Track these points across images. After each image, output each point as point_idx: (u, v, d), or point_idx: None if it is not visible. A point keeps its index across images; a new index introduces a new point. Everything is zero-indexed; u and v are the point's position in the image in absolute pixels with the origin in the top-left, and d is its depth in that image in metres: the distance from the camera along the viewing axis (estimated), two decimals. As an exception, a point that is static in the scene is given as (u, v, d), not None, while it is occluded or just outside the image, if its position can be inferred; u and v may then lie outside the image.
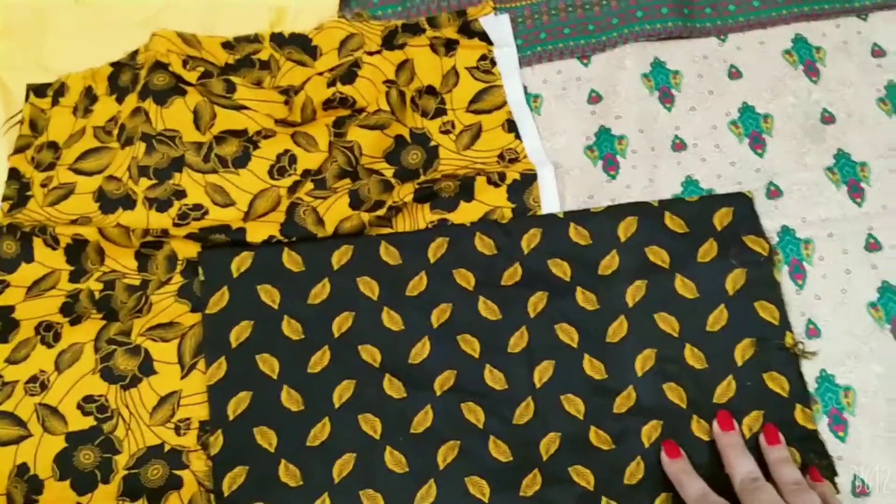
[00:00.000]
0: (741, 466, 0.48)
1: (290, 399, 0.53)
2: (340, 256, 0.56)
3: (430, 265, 0.56)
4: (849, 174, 0.58)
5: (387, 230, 0.58)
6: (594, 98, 0.62)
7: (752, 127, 0.60)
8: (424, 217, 0.58)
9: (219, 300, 0.55)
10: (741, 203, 0.56)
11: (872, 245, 0.56)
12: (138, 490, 0.52)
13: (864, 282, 0.55)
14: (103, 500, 0.52)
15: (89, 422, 0.53)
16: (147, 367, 0.54)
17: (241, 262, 0.56)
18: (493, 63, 0.63)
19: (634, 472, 0.50)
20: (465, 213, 0.58)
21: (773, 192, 0.58)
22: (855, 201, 0.57)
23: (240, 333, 0.54)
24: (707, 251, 0.55)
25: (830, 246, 0.56)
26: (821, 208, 0.57)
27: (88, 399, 0.54)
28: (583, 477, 0.50)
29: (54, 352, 0.55)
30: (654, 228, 0.56)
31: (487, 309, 0.55)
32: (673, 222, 0.56)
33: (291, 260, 0.56)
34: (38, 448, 0.53)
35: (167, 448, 0.53)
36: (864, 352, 0.53)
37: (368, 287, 0.55)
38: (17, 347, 0.55)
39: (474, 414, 0.52)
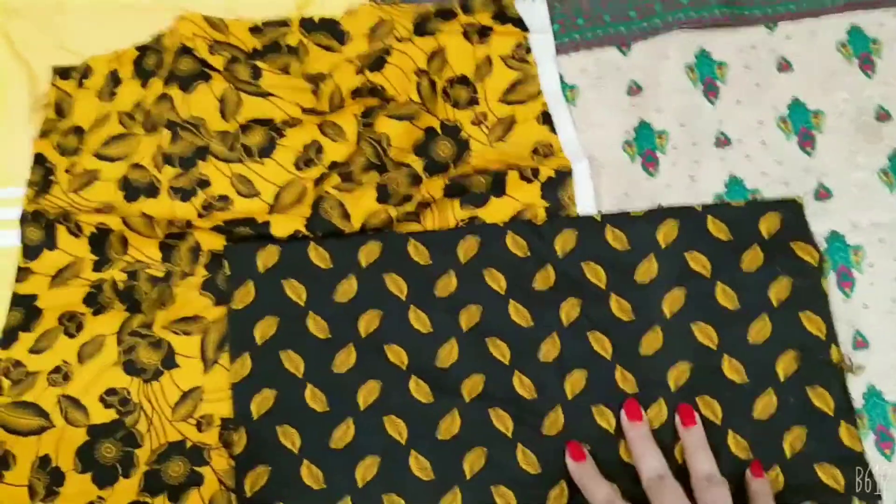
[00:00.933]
0: (648, 462, 0.46)
1: (315, 399, 0.51)
2: (368, 253, 0.54)
3: (461, 265, 0.54)
4: (904, 176, 0.55)
5: (415, 226, 0.56)
6: (634, 90, 0.60)
7: (802, 123, 0.57)
8: (454, 214, 0.56)
9: (244, 295, 0.54)
10: (790, 209, 0.54)
11: (926, 252, 0.53)
12: (159, 486, 0.51)
13: (915, 291, 0.52)
14: (124, 494, 0.51)
15: (111, 415, 0.53)
16: (169, 361, 0.53)
17: (267, 257, 0.54)
18: (529, 50, 0.61)
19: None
20: (496, 210, 0.56)
21: (823, 193, 0.55)
22: (909, 205, 0.54)
23: (265, 330, 0.53)
24: (752, 259, 0.53)
25: (881, 252, 0.53)
26: (872, 212, 0.54)
27: (111, 392, 0.53)
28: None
29: (77, 342, 0.54)
30: (696, 234, 0.53)
31: (518, 314, 0.53)
32: (716, 228, 0.54)
33: (318, 255, 0.54)
34: (60, 440, 0.53)
35: (189, 445, 0.52)
36: (914, 365, 0.51)
37: (396, 285, 0.54)
38: (41, 337, 0.55)
39: (502, 421, 0.51)
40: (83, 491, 0.51)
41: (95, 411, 0.53)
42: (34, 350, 0.55)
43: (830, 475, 0.48)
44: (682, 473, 0.47)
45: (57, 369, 0.54)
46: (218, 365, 0.53)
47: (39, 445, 0.52)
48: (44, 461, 0.52)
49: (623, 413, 0.49)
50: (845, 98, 0.58)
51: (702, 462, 0.46)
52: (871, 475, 0.48)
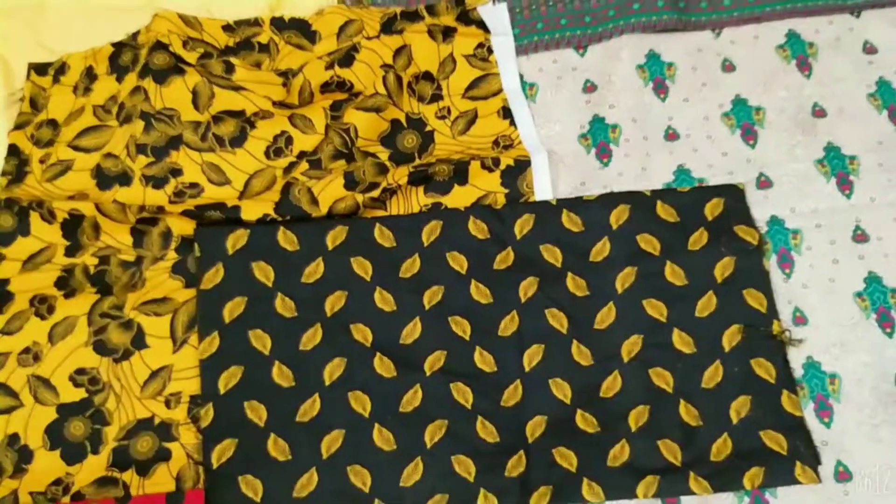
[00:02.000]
0: None
1: (282, 375, 0.53)
2: (335, 237, 0.56)
3: (424, 248, 0.56)
4: (838, 167, 0.59)
5: (381, 212, 0.58)
6: (589, 87, 0.63)
7: (744, 119, 0.61)
8: (418, 200, 0.58)
9: (213, 276, 0.55)
10: (732, 194, 0.57)
11: (860, 237, 0.56)
12: (127, 461, 0.52)
13: (851, 272, 0.55)
14: (93, 470, 0.52)
15: (81, 394, 0.54)
16: (139, 341, 0.55)
17: (236, 240, 0.56)
18: (490, 51, 0.64)
19: (619, 455, 0.51)
20: (459, 197, 0.58)
21: (764, 182, 0.59)
22: (844, 193, 0.58)
23: (233, 309, 0.55)
24: (697, 240, 0.56)
25: (818, 236, 0.57)
26: (810, 200, 0.58)
27: (81, 371, 0.54)
28: (566, 459, 0.51)
29: (48, 324, 0.55)
30: (646, 217, 0.56)
31: (479, 292, 0.55)
32: (665, 211, 0.57)
33: (286, 238, 0.56)
34: (29, 418, 0.53)
35: (157, 421, 0.53)
36: (851, 340, 0.54)
37: (362, 267, 0.56)
38: (11, 319, 0.56)
39: (463, 395, 0.53)
40: (52, 467, 0.52)
41: (65, 390, 0.54)
42: (4, 332, 0.55)
43: (775, 441, 0.51)
44: (640, 436, 0.50)
45: (27, 350, 0.55)
46: (187, 345, 0.55)
47: (8, 424, 0.53)
48: (12, 439, 0.53)
49: None
50: (784, 96, 0.62)
51: None
52: (810, 440, 0.51)
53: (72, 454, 0.52)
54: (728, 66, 0.63)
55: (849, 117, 0.60)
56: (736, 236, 0.56)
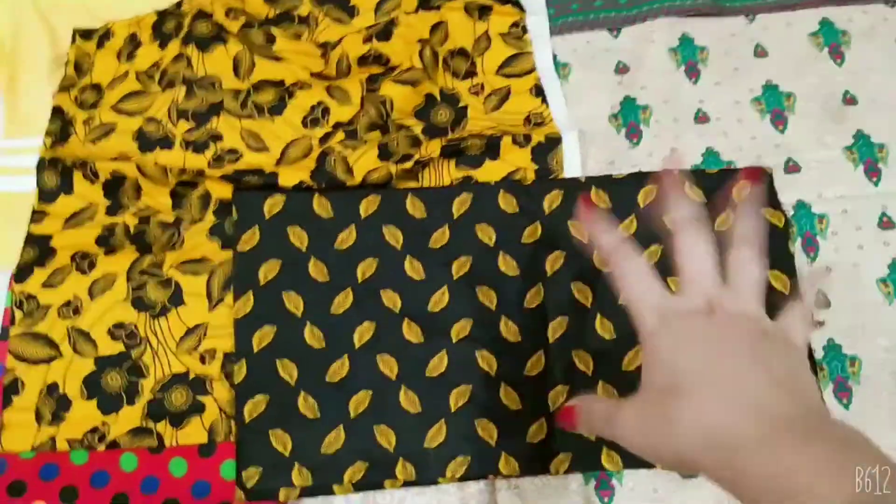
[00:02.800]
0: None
1: (313, 336, 0.55)
2: (368, 205, 0.58)
3: (454, 219, 0.58)
4: (866, 154, 0.59)
5: (413, 183, 0.60)
6: (621, 69, 0.64)
7: (774, 104, 0.62)
8: (450, 173, 0.60)
9: (250, 238, 0.57)
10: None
11: (886, 223, 0.57)
12: (162, 413, 0.54)
13: (875, 258, 0.56)
14: (128, 421, 0.54)
15: (118, 347, 0.56)
16: (177, 299, 0.57)
17: (273, 204, 0.58)
18: (525, 30, 0.65)
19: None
20: (490, 171, 0.60)
21: (792, 167, 0.59)
22: (871, 180, 0.58)
23: (268, 271, 0.56)
24: (724, 221, 0.57)
25: (844, 222, 0.57)
26: (837, 186, 0.58)
27: (119, 326, 0.56)
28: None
29: (88, 279, 0.57)
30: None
31: (506, 264, 0.56)
32: (692, 192, 0.58)
33: (321, 205, 0.58)
34: (68, 369, 0.55)
35: (192, 376, 0.55)
36: (872, 325, 0.54)
37: (393, 236, 0.57)
38: (54, 273, 0.58)
39: (487, 362, 0.54)
40: (88, 416, 0.54)
41: (103, 343, 0.56)
42: (47, 284, 0.57)
43: None
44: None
45: (68, 303, 0.57)
46: (223, 304, 0.56)
47: (48, 373, 0.55)
48: (51, 388, 0.55)
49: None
50: (815, 83, 0.62)
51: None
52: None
53: (108, 404, 0.54)
54: (760, 52, 0.64)
55: (879, 106, 0.61)
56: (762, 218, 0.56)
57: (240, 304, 0.55)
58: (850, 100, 0.61)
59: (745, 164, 0.60)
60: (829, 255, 0.56)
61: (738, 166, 0.60)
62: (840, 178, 0.59)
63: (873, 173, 0.59)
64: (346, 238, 0.57)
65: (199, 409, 0.54)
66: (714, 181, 0.58)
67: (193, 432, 0.53)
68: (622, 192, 0.58)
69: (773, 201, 0.57)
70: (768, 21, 0.65)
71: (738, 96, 0.62)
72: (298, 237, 0.57)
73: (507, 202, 0.58)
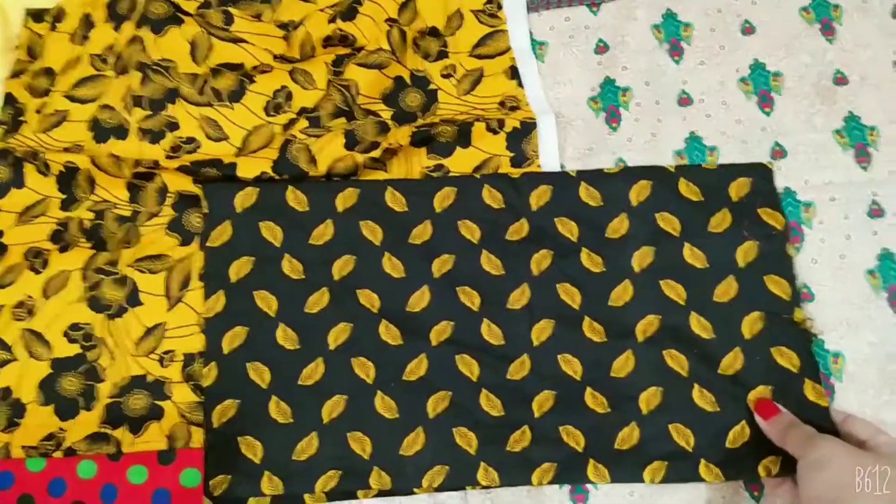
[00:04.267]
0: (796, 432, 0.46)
1: (286, 337, 0.52)
2: (345, 199, 0.55)
3: (436, 214, 0.55)
4: (857, 138, 0.56)
5: (381, 173, 0.57)
6: (601, 48, 0.61)
7: (762, 85, 0.58)
8: (420, 161, 0.57)
9: (220, 234, 0.54)
10: (760, 174, 0.55)
11: (875, 211, 0.54)
12: (120, 418, 0.52)
13: (863, 248, 0.54)
14: (85, 426, 0.52)
15: (74, 349, 0.53)
16: (133, 298, 0.54)
17: (245, 198, 0.55)
18: (500, 6, 0.61)
19: (628, 437, 0.50)
20: (462, 160, 0.57)
21: (778, 152, 0.57)
22: (861, 166, 0.56)
23: (240, 269, 0.54)
24: (720, 221, 0.54)
25: (832, 210, 0.55)
26: (825, 171, 0.56)
27: (74, 327, 0.54)
28: (573, 437, 0.50)
29: (42, 278, 0.55)
30: (668, 194, 0.54)
31: (490, 263, 0.54)
32: (688, 189, 0.55)
33: (296, 199, 0.55)
34: (22, 373, 0.53)
35: (150, 379, 0.53)
36: (859, 319, 0.52)
37: (371, 232, 0.54)
38: (6, 272, 0.55)
39: (469, 367, 0.52)
40: (44, 423, 0.52)
41: (59, 346, 0.54)
42: (-1, 284, 0.55)
43: None
44: (651, 419, 0.50)
45: (21, 304, 0.54)
46: (182, 303, 0.54)
47: (1, 377, 0.53)
48: (5, 393, 0.53)
49: (757, 417, 0.49)
50: (806, 62, 0.59)
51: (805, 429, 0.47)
52: (835, 431, 0.49)
53: (65, 409, 0.52)
54: (748, 29, 0.60)
55: (871, 86, 0.58)
56: (760, 220, 0.53)
57: (210, 303, 0.53)
58: (840, 79, 0.58)
59: (729, 148, 0.57)
60: (815, 246, 0.54)
61: (721, 152, 0.57)
62: (828, 163, 0.56)
63: (863, 158, 0.56)
64: (322, 233, 0.54)
65: (158, 414, 0.52)
66: (711, 177, 0.55)
67: (153, 438, 0.51)
68: (614, 188, 0.55)
69: (772, 201, 0.54)
70: (757, -5, 0.61)
71: (723, 76, 0.59)
72: (272, 232, 0.54)
73: (492, 197, 0.55)
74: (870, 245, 0.54)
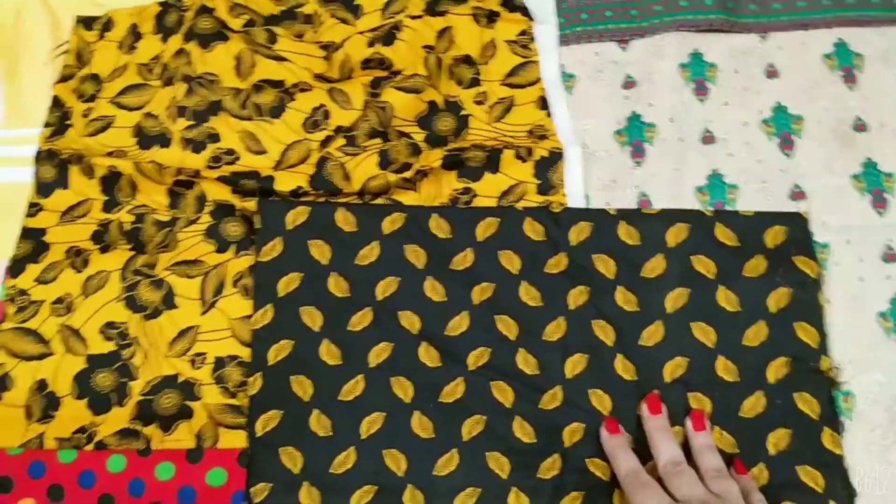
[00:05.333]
0: (666, 450, 0.49)
1: (329, 353, 0.54)
2: (392, 222, 0.57)
3: (478, 243, 0.57)
4: (874, 183, 0.58)
5: (412, 194, 0.59)
6: (629, 83, 0.63)
7: (784, 127, 0.60)
8: (450, 184, 0.59)
9: (271, 249, 0.56)
10: (796, 223, 0.56)
11: (889, 256, 0.56)
12: (151, 416, 0.54)
13: (876, 291, 0.55)
14: (116, 421, 0.54)
15: (110, 346, 0.55)
16: (169, 301, 0.56)
17: (296, 216, 0.57)
18: (532, 39, 0.64)
19: (651, 470, 0.50)
20: (490, 185, 0.59)
21: (797, 193, 0.58)
22: (878, 211, 0.58)
23: (288, 284, 0.56)
24: (754, 267, 0.55)
25: (847, 252, 0.56)
26: (842, 214, 0.58)
27: (111, 325, 0.56)
28: (599, 468, 0.51)
29: (82, 276, 0.57)
30: (704, 238, 0.56)
31: (528, 294, 0.55)
32: (724, 234, 0.56)
33: (345, 219, 0.57)
34: (58, 366, 0.55)
35: (181, 379, 0.55)
36: (869, 359, 0.54)
37: (416, 255, 0.56)
38: (47, 269, 0.57)
39: (503, 394, 0.53)
40: (78, 416, 0.54)
41: (94, 342, 0.56)
42: (40, 280, 0.57)
43: (811, 477, 0.51)
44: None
45: (60, 300, 0.57)
46: (215, 308, 0.56)
47: (38, 370, 0.55)
48: (41, 385, 0.55)
49: (644, 406, 0.52)
50: (826, 107, 0.61)
51: (711, 459, 0.49)
52: (847, 480, 0.51)
53: (98, 404, 0.54)
54: (771, 72, 0.62)
55: (890, 133, 0.60)
56: (794, 267, 0.55)
57: (258, 316, 0.55)
58: (860, 126, 0.60)
59: (749, 187, 0.59)
60: (829, 287, 0.56)
61: (742, 191, 0.59)
62: (846, 206, 0.58)
63: (880, 203, 0.58)
64: (368, 254, 0.56)
65: (187, 413, 0.54)
66: (747, 224, 0.57)
67: (182, 437, 0.53)
68: (652, 228, 0.57)
69: (807, 249, 0.56)
70: (782, 40, 0.63)
71: (746, 117, 0.61)
72: (320, 250, 0.56)
73: (533, 230, 0.57)
74: (883, 288, 0.55)
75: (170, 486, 0.52)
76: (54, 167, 0.60)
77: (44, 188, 0.60)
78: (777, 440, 0.52)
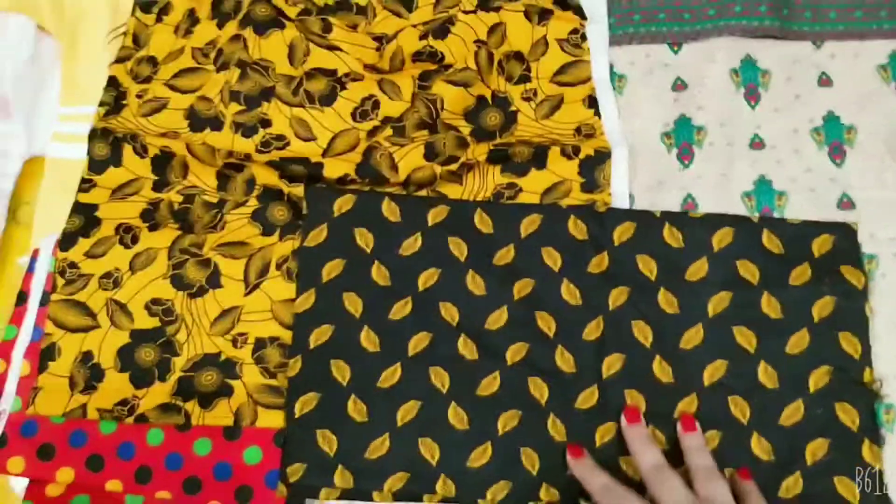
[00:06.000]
0: (647, 456, 0.49)
1: (369, 340, 0.55)
2: (436, 214, 0.57)
3: (521, 239, 0.57)
4: (924, 197, 0.57)
5: (456, 185, 0.59)
6: (679, 86, 0.63)
7: (834, 136, 0.60)
8: (494, 178, 0.59)
9: (317, 235, 0.57)
10: (844, 232, 0.56)
11: (938, 270, 0.55)
12: (191, 392, 0.55)
13: (923, 305, 0.55)
14: (158, 395, 0.55)
15: (154, 322, 0.57)
16: (214, 280, 0.57)
17: (342, 203, 0.58)
18: (584, 38, 0.64)
19: (683, 473, 0.50)
20: (536, 181, 0.59)
21: (846, 203, 0.58)
22: (926, 225, 0.57)
23: (332, 270, 0.56)
24: (800, 274, 0.55)
25: (895, 265, 0.56)
26: (891, 227, 0.57)
27: (156, 301, 0.57)
28: (631, 467, 0.51)
29: (130, 253, 0.58)
30: (750, 244, 0.56)
31: (569, 292, 0.56)
32: (770, 241, 0.56)
33: (390, 209, 0.58)
34: (103, 339, 0.56)
35: (223, 358, 0.55)
36: (913, 373, 0.53)
37: (458, 248, 0.57)
38: (97, 243, 0.59)
39: (539, 390, 0.53)
40: (120, 388, 0.55)
41: (140, 317, 0.57)
42: (90, 255, 0.58)
43: (848, 489, 0.50)
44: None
45: (108, 275, 0.58)
46: (259, 290, 0.57)
47: (84, 342, 0.56)
48: (86, 357, 0.56)
49: (623, 417, 0.52)
50: (879, 118, 0.60)
51: (702, 459, 0.49)
52: (886, 496, 0.50)
53: (140, 378, 0.55)
54: (824, 81, 0.62)
55: (944, 148, 0.59)
56: (841, 277, 0.54)
57: (301, 300, 0.56)
58: (913, 139, 0.59)
59: (797, 195, 0.58)
60: (875, 299, 0.55)
61: (790, 198, 0.58)
62: (894, 219, 0.57)
63: (929, 217, 0.57)
64: (412, 245, 0.57)
65: (227, 391, 0.55)
66: (794, 231, 0.56)
67: (221, 414, 0.54)
68: (697, 231, 0.56)
69: (853, 259, 0.55)
70: (836, 49, 0.63)
71: (797, 125, 0.61)
72: (364, 238, 0.57)
73: (577, 228, 0.57)
74: (929, 302, 0.55)
75: (207, 462, 0.53)
76: (108, 145, 0.62)
77: (97, 165, 0.62)
78: (815, 449, 0.51)
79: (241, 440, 0.53)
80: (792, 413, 0.52)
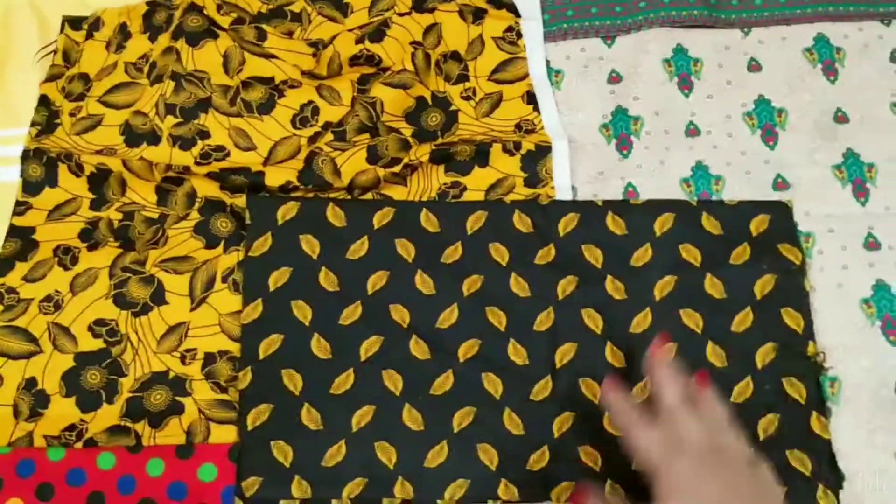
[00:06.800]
0: (671, 393, 0.46)
1: (319, 347, 0.54)
2: (382, 217, 0.57)
3: (467, 236, 0.57)
4: (855, 173, 0.59)
5: (401, 187, 0.59)
6: (614, 78, 0.64)
7: (766, 119, 0.61)
8: (438, 178, 0.59)
9: (262, 244, 0.56)
10: (779, 211, 0.57)
11: (871, 244, 0.57)
12: (141, 413, 0.54)
13: (859, 278, 0.56)
14: (107, 418, 0.54)
15: (99, 344, 0.55)
16: (159, 297, 0.56)
17: (286, 211, 0.57)
18: (519, 35, 0.64)
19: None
20: (479, 178, 0.59)
21: (780, 184, 0.59)
22: (859, 200, 0.58)
23: (278, 278, 0.56)
24: (740, 254, 0.56)
25: (830, 241, 0.57)
26: (825, 204, 0.58)
27: (100, 322, 0.56)
28: (591, 457, 0.52)
29: (70, 274, 0.57)
30: (690, 227, 0.57)
31: (518, 285, 0.56)
32: (709, 223, 0.57)
33: (335, 214, 0.57)
34: (47, 364, 0.55)
35: (171, 375, 0.54)
36: (853, 345, 0.55)
37: (405, 249, 0.57)
38: (35, 267, 0.57)
39: (493, 385, 0.54)
40: (66, 414, 0.54)
41: (84, 340, 0.55)
42: (28, 279, 0.57)
43: (799, 461, 0.51)
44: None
45: (48, 298, 0.56)
46: (205, 304, 0.56)
47: (27, 368, 0.55)
48: (30, 383, 0.54)
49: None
50: (808, 100, 0.62)
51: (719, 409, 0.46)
52: (835, 464, 0.51)
53: (87, 402, 0.54)
54: (754, 66, 0.63)
55: (870, 125, 0.61)
56: (779, 254, 0.56)
57: (248, 311, 0.55)
58: (841, 117, 0.61)
59: (734, 179, 0.59)
60: (814, 275, 0.56)
61: (726, 182, 0.59)
62: (828, 196, 0.59)
63: (861, 193, 0.59)
64: (358, 249, 0.57)
65: (178, 409, 0.54)
66: (732, 213, 0.57)
67: (172, 433, 0.53)
68: (639, 218, 0.57)
69: (790, 237, 0.56)
70: (763, 35, 0.64)
71: (729, 110, 0.62)
72: (310, 245, 0.57)
73: (522, 222, 0.57)
74: (866, 276, 0.56)
75: (160, 483, 0.52)
76: (42, 166, 0.60)
77: (32, 187, 0.60)
78: (766, 425, 0.52)
79: (194, 458, 0.52)
80: (742, 390, 0.53)
